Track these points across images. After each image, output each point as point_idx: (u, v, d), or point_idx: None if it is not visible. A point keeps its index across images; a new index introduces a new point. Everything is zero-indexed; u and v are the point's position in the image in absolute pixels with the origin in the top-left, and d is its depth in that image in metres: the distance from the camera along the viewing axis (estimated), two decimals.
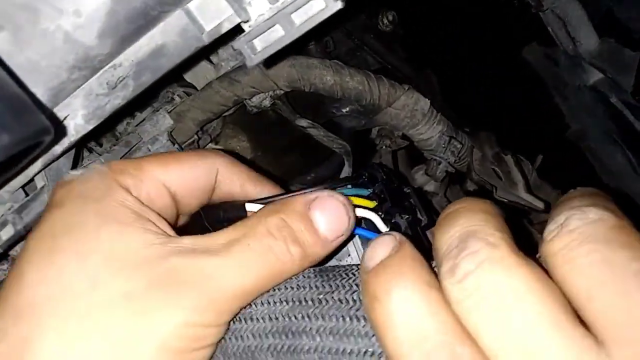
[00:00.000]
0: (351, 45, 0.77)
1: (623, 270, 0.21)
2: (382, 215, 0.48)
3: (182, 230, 0.37)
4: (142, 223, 0.31)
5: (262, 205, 0.37)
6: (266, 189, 0.40)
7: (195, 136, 0.70)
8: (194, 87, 0.72)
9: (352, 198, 0.48)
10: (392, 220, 0.49)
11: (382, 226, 0.48)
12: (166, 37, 0.34)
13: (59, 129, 0.38)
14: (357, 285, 0.33)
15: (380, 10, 0.77)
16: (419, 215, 0.50)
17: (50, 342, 0.27)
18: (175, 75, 0.78)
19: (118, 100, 0.37)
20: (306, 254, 0.32)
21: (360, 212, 0.46)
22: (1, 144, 0.22)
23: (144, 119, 0.67)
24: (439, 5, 0.85)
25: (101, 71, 0.35)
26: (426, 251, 0.33)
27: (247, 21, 0.33)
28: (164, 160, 0.35)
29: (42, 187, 0.44)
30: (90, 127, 0.38)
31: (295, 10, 0.31)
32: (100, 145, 0.66)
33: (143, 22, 0.31)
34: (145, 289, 0.28)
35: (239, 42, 0.33)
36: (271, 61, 0.58)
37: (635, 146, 0.76)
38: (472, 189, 0.97)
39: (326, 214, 0.33)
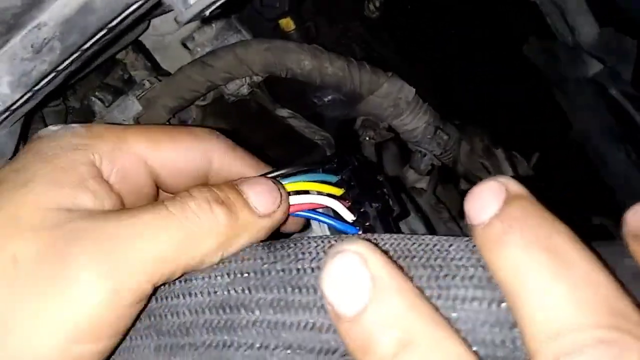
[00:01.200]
0: (335, 32, 0.73)
1: None
2: (351, 204, 0.44)
3: None
4: (77, 191, 0.27)
5: None
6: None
7: (167, 123, 0.67)
8: (168, 74, 0.69)
9: (316, 184, 0.44)
10: (361, 209, 0.45)
11: (346, 214, 0.44)
12: None
13: None
14: (302, 253, 0.30)
15: None
16: (390, 204, 0.47)
17: None
18: (152, 64, 0.75)
19: (45, 65, 0.34)
20: (234, 218, 0.28)
21: (321, 199, 0.42)
22: None
23: (112, 104, 0.64)
24: None
25: (24, 31, 0.32)
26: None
27: None
28: (152, 136, 0.31)
29: None
30: (17, 96, 0.35)
31: None
32: None
33: None
34: (37, 254, 0.24)
35: None
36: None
37: (635, 140, 0.71)
38: (466, 188, 0.93)
39: (255, 187, 0.30)
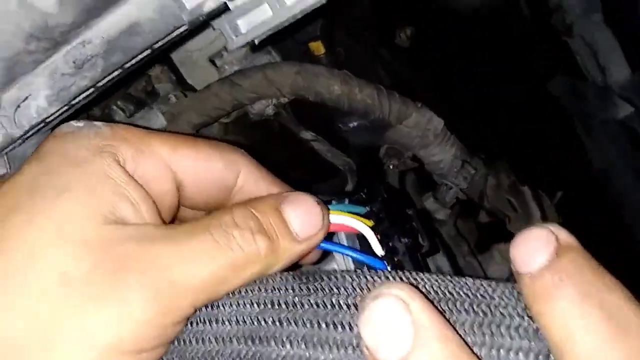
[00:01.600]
0: (364, 58, 0.73)
1: None
2: (379, 237, 0.43)
3: None
4: (116, 199, 0.27)
5: None
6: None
7: None
8: (193, 89, 0.68)
9: (347, 214, 0.43)
10: (390, 244, 0.44)
11: (377, 248, 0.43)
12: (142, 13, 0.30)
13: (18, 112, 0.34)
14: (337, 288, 0.30)
15: (398, 24, 0.73)
16: (420, 240, 0.45)
17: None
18: (177, 77, 0.75)
19: (85, 81, 0.33)
20: (275, 247, 0.29)
21: (356, 225, 0.41)
22: None
23: (135, 115, 0.64)
24: (460, 26, 0.81)
25: (68, 47, 0.31)
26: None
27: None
28: (176, 141, 0.31)
29: (3, 175, 0.40)
30: (53, 110, 0.34)
31: None
32: None
33: None
34: (87, 272, 0.24)
35: (220, 21, 0.29)
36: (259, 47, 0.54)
37: None
38: (485, 222, 0.91)
39: (298, 210, 0.30)
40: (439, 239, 0.67)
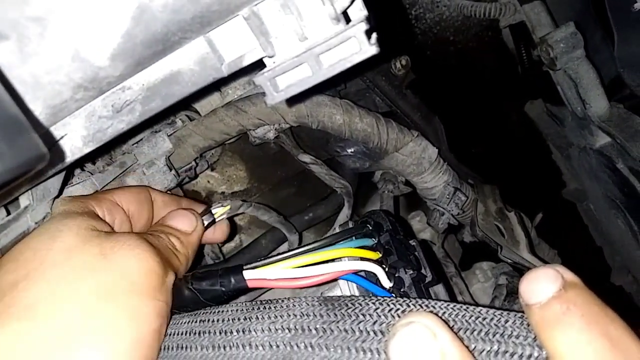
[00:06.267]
0: (361, 85, 0.76)
1: None
2: (387, 269, 0.46)
3: None
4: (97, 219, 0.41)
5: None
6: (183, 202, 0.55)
7: (193, 162, 0.67)
8: (197, 112, 0.69)
9: (357, 250, 0.45)
10: (396, 275, 0.46)
11: (385, 281, 0.45)
12: (183, 64, 0.32)
13: (53, 151, 0.35)
14: (363, 315, 0.32)
15: (394, 54, 0.76)
16: (423, 271, 0.48)
17: (39, 286, 0.33)
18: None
19: (122, 124, 0.35)
20: (183, 239, 0.45)
21: (365, 266, 0.43)
22: None
23: (141, 139, 0.64)
24: (451, 54, 0.85)
25: (108, 92, 0.33)
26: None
27: (272, 56, 0.31)
28: (123, 194, 0.49)
29: (26, 206, 0.41)
30: (88, 150, 0.36)
31: (326, 51, 0.29)
32: (93, 164, 0.62)
33: (161, 48, 0.29)
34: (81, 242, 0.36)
35: (261, 78, 0.30)
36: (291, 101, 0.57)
37: (639, 213, 0.75)
38: (468, 241, 0.95)
39: (177, 221, 0.47)
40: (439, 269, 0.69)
